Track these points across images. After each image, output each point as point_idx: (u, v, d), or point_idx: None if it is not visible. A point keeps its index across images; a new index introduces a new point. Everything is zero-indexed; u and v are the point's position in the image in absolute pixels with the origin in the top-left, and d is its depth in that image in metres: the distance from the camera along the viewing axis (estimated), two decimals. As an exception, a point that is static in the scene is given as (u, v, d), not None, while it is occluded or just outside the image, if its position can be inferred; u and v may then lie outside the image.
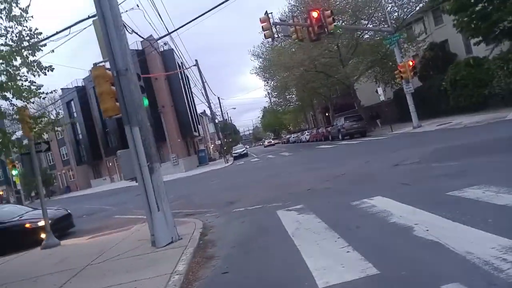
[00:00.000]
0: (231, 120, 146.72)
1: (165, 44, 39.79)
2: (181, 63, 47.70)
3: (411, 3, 26.13)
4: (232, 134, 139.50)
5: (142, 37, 12.58)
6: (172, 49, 43.02)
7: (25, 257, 8.13)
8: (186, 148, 44.67)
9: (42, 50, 7.28)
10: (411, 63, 22.26)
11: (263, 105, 71.79)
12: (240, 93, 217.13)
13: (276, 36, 15.84)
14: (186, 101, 43.21)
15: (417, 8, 26.89)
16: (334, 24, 16.82)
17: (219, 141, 41.09)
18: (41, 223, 9.86)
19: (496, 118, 15.50)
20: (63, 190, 55.08)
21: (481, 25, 17.69)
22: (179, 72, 41.45)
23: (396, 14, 27.50)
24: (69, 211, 11.63)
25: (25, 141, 9.28)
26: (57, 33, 10.44)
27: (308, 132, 46.79)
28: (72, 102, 48.80)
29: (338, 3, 27.93)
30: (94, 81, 6.61)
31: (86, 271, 5.43)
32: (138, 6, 11.29)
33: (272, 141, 76.17)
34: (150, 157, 6.13)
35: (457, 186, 5.35)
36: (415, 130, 20.90)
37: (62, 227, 10.55)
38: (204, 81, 38.29)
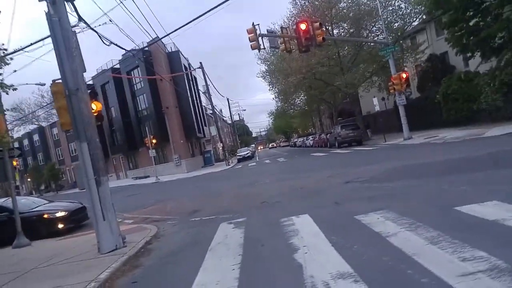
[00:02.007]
0: (243, 121, 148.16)
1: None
2: (188, 64, 48.59)
3: (412, 14, 26.16)
4: (245, 135, 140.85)
5: (124, 49, 13.11)
6: (179, 50, 43.87)
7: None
8: (190, 149, 45.39)
9: (8, 64, 7.87)
10: (404, 75, 22.40)
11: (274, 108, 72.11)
12: (258, 93, 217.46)
13: (262, 47, 16.22)
14: (191, 103, 43.89)
15: (416, 20, 26.91)
16: (323, 36, 17.09)
17: (221, 144, 41.56)
18: (59, 214, 10.75)
19: (476, 134, 15.67)
20: (71, 185, 56.50)
21: (470, 41, 17.82)
22: (184, 74, 42.18)
23: (397, 24, 27.59)
24: (83, 204, 11.68)
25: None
26: (31, 44, 11.09)
27: (312, 138, 47.21)
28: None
29: (339, 12, 28.16)
30: (53, 97, 7.21)
31: (28, 274, 6.02)
32: (111, 21, 11.83)
33: (275, 144, 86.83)
34: (97, 170, 6.70)
35: (367, 210, 5.76)
36: (405, 141, 21.06)
37: (77, 219, 11.19)
38: (209, 84, 38.94)
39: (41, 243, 9.50)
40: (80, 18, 9.53)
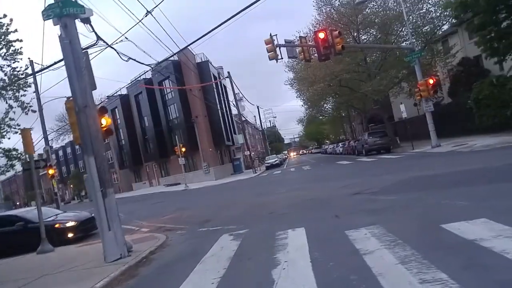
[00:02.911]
0: (275, 127, 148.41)
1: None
2: (218, 73, 49.52)
3: (441, 17, 25.37)
4: (276, 142, 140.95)
5: (143, 63, 13.62)
6: (208, 60, 44.86)
7: (17, 261, 9.41)
8: (220, 157, 46.06)
9: (27, 90, 8.49)
10: (431, 81, 21.73)
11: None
12: (292, 99, 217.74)
13: (280, 58, 16.36)
14: (220, 112, 44.63)
15: (446, 24, 26.08)
16: (342, 44, 16.99)
17: (248, 152, 41.91)
18: (69, 224, 11.44)
19: (507, 142, 14.96)
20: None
21: (501, 44, 17.07)
22: (213, 83, 43.00)
23: (426, 28, 26.83)
24: (92, 214, 12.32)
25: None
26: (48, 67, 11.82)
27: (342, 145, 46.64)
28: (116, 110, 52.25)
29: (365, 18, 27.82)
30: (67, 112, 7.70)
31: (37, 281, 6.44)
32: (126, 38, 12.40)
33: (306, 151, 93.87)
34: (104, 182, 7.05)
35: (359, 225, 5.72)
36: (432, 149, 20.43)
37: (86, 228, 11.85)
38: (237, 92, 39.46)
39: (63, 249, 10.05)
40: (99, 37, 10.14)
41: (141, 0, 12.31)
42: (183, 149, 35.83)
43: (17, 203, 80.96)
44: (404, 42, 26.30)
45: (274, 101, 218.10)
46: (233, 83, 38.89)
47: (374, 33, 29.14)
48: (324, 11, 27.99)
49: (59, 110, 55.09)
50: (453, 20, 24.24)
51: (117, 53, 11.22)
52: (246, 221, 8.58)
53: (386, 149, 26.99)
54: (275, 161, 46.32)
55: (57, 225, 11.36)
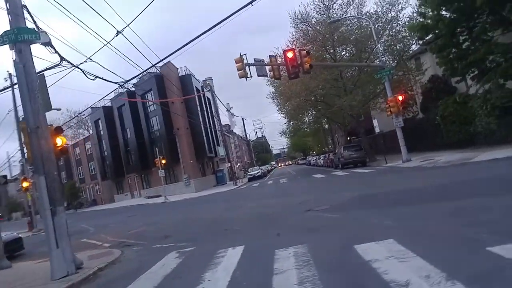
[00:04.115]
0: (264, 138, 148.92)
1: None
2: (202, 86, 49.94)
3: (409, 37, 26.31)
4: (263, 152, 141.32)
5: (111, 81, 13.88)
6: (191, 74, 45.33)
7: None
8: (202, 169, 46.19)
9: None
10: (400, 98, 22.42)
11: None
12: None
13: (250, 76, 16.81)
14: (203, 124, 44.92)
15: (414, 43, 27.05)
16: (310, 63, 17.53)
17: (229, 164, 42.18)
18: None
19: (466, 159, 15.57)
20: (89, 203, 58.27)
21: (458, 65, 17.87)
22: (196, 96, 43.38)
23: (398, 46, 27.73)
24: (20, 235, 13.15)
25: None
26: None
27: (323, 157, 47.21)
28: (99, 121, 52.13)
29: (339, 36, 28.57)
30: (22, 133, 7.94)
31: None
32: (90, 59, 12.69)
33: (291, 162, 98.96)
34: (54, 201, 7.28)
35: (291, 243, 6.04)
36: (402, 164, 20.98)
37: (12, 249, 12.03)
38: (221, 104, 39.84)
39: (22, 265, 10.17)
40: (62, 58, 10.44)
41: (117, 16, 12.65)
42: (164, 161, 35.95)
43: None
44: (378, 60, 27.11)
45: (264, 112, 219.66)
46: (215, 96, 39.41)
47: (350, 50, 29.92)
48: (300, 28, 28.68)
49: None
50: (419, 41, 25.17)
51: (83, 73, 11.49)
52: (200, 238, 8.90)
53: (362, 163, 27.54)
54: (257, 173, 46.58)
55: None
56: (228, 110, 54.42)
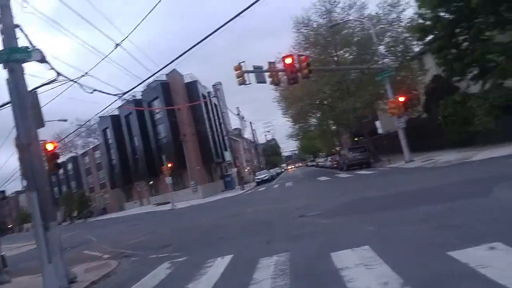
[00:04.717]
0: (274, 140, 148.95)
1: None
2: (208, 92, 50.36)
3: (411, 38, 26.19)
4: (274, 155, 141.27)
5: (111, 94, 14.10)
6: (197, 80, 45.77)
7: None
8: (209, 174, 46.45)
9: None
10: (401, 99, 22.34)
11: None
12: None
13: (248, 83, 17.01)
14: (209, 129, 45.24)
15: (414, 45, 26.95)
16: (309, 69, 17.64)
17: (235, 169, 42.38)
18: None
19: (465, 158, 15.50)
20: (99, 212, 58.98)
21: (455, 66, 17.79)
22: (202, 102, 43.74)
23: (399, 47, 27.66)
24: (3, 253, 12.50)
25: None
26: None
27: (331, 159, 47.15)
28: (107, 130, 52.87)
29: (342, 39, 28.56)
30: (16, 149, 8.18)
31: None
32: (87, 73, 12.95)
33: (301, 164, 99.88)
34: (46, 216, 7.47)
35: (277, 251, 6.16)
36: (404, 165, 20.92)
37: None
38: (223, 112, 40.08)
39: (20, 280, 10.37)
40: (58, 73, 10.71)
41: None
42: (170, 167, 36.30)
43: (9, 226, 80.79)
44: (381, 61, 27.02)
45: (275, 114, 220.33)
46: (221, 101, 39.69)
47: (353, 52, 29.87)
48: (303, 32, 28.73)
49: (54, 130, 55.40)
50: (419, 42, 25.08)
51: (81, 86, 11.75)
52: (194, 247, 9.04)
53: (367, 164, 27.49)
54: (265, 176, 46.58)
55: None
56: (238, 114, 54.50)
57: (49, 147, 8.95)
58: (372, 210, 8.36)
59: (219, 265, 6.40)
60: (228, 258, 6.73)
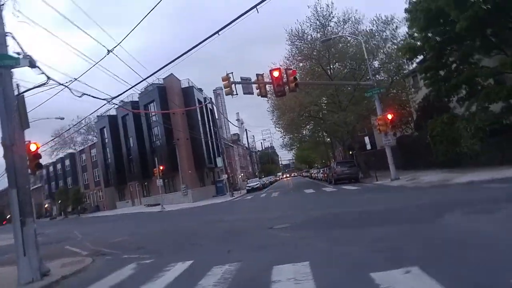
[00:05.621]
0: (273, 148, 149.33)
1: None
2: (204, 98, 50.91)
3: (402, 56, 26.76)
4: (269, 163, 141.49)
5: (97, 97, 14.51)
6: (193, 86, 46.36)
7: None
8: (201, 179, 46.84)
9: None
10: (389, 117, 22.82)
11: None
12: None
13: (235, 94, 17.51)
14: (203, 135, 45.70)
15: (405, 63, 27.48)
16: (296, 83, 18.16)
17: (225, 175, 42.83)
18: None
19: (446, 180, 15.87)
20: (92, 209, 59.27)
21: (443, 87, 18.31)
22: (197, 108, 44.27)
23: (391, 64, 28.22)
24: None
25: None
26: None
27: (322, 171, 47.61)
28: (104, 129, 53.38)
29: (336, 52, 29.12)
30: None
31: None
32: (76, 79, 13.47)
33: (296, 174, 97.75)
34: (24, 213, 7.94)
35: (231, 260, 6.60)
36: (390, 182, 21.31)
37: None
38: (217, 118, 40.52)
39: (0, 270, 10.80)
40: (48, 78, 11.20)
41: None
42: (162, 170, 36.73)
43: (8, 217, 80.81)
44: (369, 78, 27.62)
45: (270, 122, 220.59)
46: (213, 110, 40.22)
47: (346, 66, 30.42)
48: (296, 45, 29.30)
49: (55, 127, 56.10)
50: (408, 62, 25.64)
51: (70, 91, 12.24)
52: (165, 251, 9.48)
53: (355, 179, 27.90)
54: (256, 184, 47.05)
55: None
56: (237, 120, 54.87)
57: (33, 147, 9.42)
58: (333, 227, 8.81)
59: (177, 269, 6.83)
60: (187, 264, 7.15)
